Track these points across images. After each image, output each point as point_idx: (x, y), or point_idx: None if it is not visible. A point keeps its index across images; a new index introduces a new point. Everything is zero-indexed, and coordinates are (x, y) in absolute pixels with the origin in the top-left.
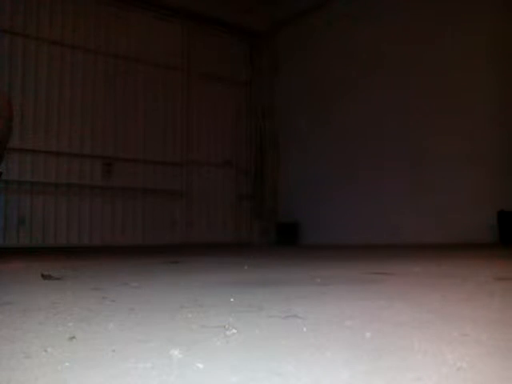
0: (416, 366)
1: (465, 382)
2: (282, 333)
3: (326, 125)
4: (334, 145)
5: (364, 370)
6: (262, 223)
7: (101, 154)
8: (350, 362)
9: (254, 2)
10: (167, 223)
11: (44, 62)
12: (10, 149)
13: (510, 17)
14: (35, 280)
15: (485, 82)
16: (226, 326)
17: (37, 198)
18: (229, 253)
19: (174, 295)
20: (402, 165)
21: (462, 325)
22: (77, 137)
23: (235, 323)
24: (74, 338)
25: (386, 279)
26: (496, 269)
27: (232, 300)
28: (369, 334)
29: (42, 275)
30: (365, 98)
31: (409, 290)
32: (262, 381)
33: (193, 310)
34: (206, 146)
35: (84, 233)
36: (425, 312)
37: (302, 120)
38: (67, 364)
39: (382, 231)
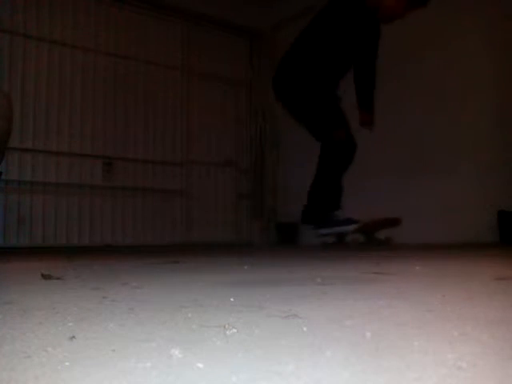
0: (416, 365)
1: (465, 381)
2: (282, 332)
3: None
4: None
5: (364, 370)
6: (261, 223)
7: (101, 153)
8: (350, 362)
9: (254, 1)
10: (167, 223)
11: (44, 61)
12: (9, 149)
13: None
14: (35, 280)
15: (486, 81)
16: (226, 326)
17: (37, 198)
18: (229, 252)
19: (173, 295)
20: (402, 164)
21: (462, 324)
22: (77, 136)
23: (235, 323)
24: (74, 337)
25: (386, 279)
26: (496, 268)
27: (232, 300)
28: (369, 333)
29: (42, 275)
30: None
31: (409, 290)
32: (262, 380)
33: (193, 310)
34: (206, 146)
35: (84, 233)
36: (425, 311)
37: None
38: (67, 364)
39: (382, 231)
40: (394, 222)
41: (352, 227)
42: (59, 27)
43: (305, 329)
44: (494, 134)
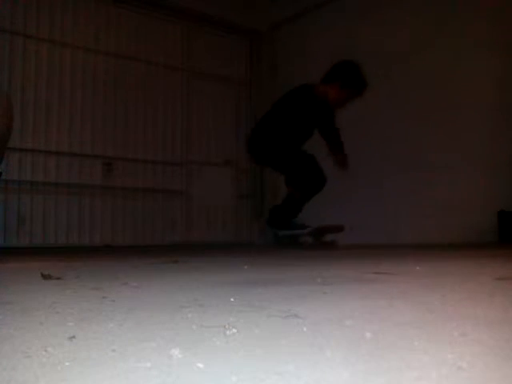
0: (416, 365)
1: (465, 381)
2: (282, 332)
3: None
4: None
5: (364, 370)
6: (262, 223)
7: (101, 153)
8: (350, 362)
9: (254, 1)
10: (167, 223)
11: (44, 61)
12: (10, 148)
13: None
14: (35, 280)
15: (485, 81)
16: (226, 326)
17: (37, 198)
18: (229, 253)
19: (173, 295)
20: (402, 164)
21: (462, 324)
22: (77, 136)
23: (235, 323)
24: (74, 337)
25: (387, 279)
26: (496, 268)
27: (232, 300)
28: (369, 333)
29: (42, 275)
30: (364, 98)
31: (409, 290)
32: (262, 380)
33: (193, 310)
34: (206, 146)
35: (84, 233)
36: (425, 311)
37: None
38: (67, 364)
39: (382, 231)
40: (338, 229)
41: (306, 231)
42: (59, 27)
43: (305, 329)
44: (494, 134)
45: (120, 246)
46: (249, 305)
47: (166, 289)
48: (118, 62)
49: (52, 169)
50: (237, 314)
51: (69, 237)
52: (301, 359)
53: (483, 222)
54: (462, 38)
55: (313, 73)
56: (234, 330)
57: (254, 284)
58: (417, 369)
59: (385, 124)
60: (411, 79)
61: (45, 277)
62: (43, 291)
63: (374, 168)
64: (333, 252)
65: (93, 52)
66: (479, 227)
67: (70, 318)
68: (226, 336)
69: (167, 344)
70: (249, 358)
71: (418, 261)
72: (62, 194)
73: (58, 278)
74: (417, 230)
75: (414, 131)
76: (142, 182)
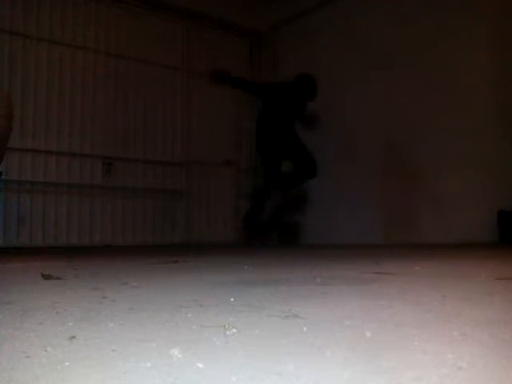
0: (416, 365)
1: (465, 381)
2: (282, 332)
3: (325, 124)
4: (334, 144)
5: (364, 370)
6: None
7: (101, 153)
8: (350, 362)
9: (254, 1)
10: (167, 223)
11: (44, 61)
12: (10, 148)
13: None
14: (35, 280)
15: (486, 80)
16: (226, 326)
17: (37, 198)
18: (229, 253)
19: (173, 295)
20: (402, 164)
21: (462, 324)
22: (77, 136)
23: (235, 323)
24: (74, 337)
25: (387, 279)
26: (496, 268)
27: (232, 300)
28: (369, 333)
29: (42, 275)
30: (365, 97)
31: (409, 290)
32: (261, 380)
33: (193, 310)
34: (206, 146)
35: (84, 233)
36: (425, 312)
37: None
38: (67, 363)
39: (382, 231)
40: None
41: (274, 230)
42: (59, 27)
43: (305, 329)
44: (494, 135)
45: (120, 246)
46: (249, 305)
47: (165, 289)
48: (118, 62)
49: (52, 169)
50: (237, 314)
51: (69, 237)
52: (301, 359)
53: (483, 222)
54: (461, 38)
55: (313, 72)
56: (234, 330)
57: (254, 284)
58: (417, 369)
59: (385, 123)
60: (413, 80)
61: (45, 277)
62: (43, 291)
63: (374, 168)
64: (334, 252)
65: (93, 52)
66: (479, 227)
67: (70, 317)
68: (226, 336)
69: (167, 344)
70: (249, 357)
71: (418, 261)
72: (62, 193)
73: (58, 278)
74: (417, 229)
75: (413, 130)
76: (142, 181)
